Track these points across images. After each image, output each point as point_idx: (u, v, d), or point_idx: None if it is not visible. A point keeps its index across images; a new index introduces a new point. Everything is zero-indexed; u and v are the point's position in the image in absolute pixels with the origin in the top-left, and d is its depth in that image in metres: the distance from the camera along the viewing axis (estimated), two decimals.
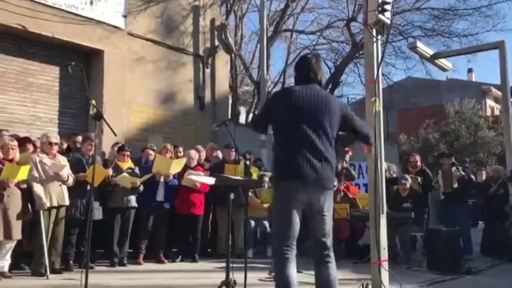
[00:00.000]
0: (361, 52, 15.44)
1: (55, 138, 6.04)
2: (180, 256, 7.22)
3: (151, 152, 7.36)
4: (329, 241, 3.34)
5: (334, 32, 17.22)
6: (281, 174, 3.28)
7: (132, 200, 6.70)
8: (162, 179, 6.90)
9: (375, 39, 4.55)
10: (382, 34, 4.62)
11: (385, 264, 4.31)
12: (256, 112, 15.65)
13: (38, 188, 5.70)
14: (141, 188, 6.72)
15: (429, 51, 7.40)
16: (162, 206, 6.97)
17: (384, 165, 4.93)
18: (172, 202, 7.11)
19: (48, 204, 5.70)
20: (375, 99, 4.43)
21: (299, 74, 3.51)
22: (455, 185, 7.95)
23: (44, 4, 8.54)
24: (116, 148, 7.05)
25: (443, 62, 8.00)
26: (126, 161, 6.83)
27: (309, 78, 3.42)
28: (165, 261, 6.97)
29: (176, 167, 6.89)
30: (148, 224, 6.90)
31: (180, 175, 7.09)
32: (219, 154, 8.28)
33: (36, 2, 8.43)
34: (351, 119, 3.48)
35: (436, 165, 10.29)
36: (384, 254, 4.34)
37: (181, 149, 7.83)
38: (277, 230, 3.30)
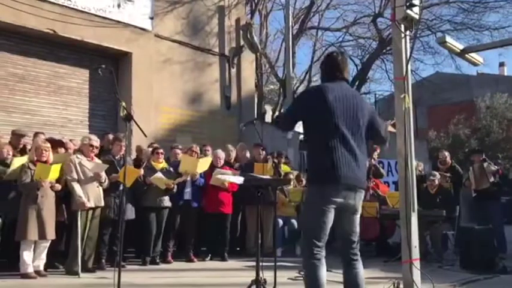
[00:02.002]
0: (388, 48, 15.26)
1: (96, 141, 6.19)
2: (210, 255, 7.28)
3: (178, 151, 7.44)
4: (357, 240, 3.33)
5: (361, 28, 17.07)
6: (319, 177, 3.21)
7: (165, 199, 6.78)
8: (188, 178, 6.97)
9: (403, 35, 4.48)
10: (411, 30, 4.54)
11: (417, 263, 4.24)
12: (282, 110, 15.63)
13: (78, 188, 5.84)
14: (175, 189, 6.80)
15: (459, 46, 7.21)
16: (190, 204, 7.04)
17: (414, 162, 4.85)
18: (200, 201, 7.17)
19: (88, 205, 5.84)
20: (404, 96, 4.35)
21: (326, 71, 3.47)
22: (492, 179, 7.77)
23: (73, 9, 8.75)
24: (150, 149, 7.16)
25: (473, 56, 7.78)
26: (160, 162, 6.92)
27: (336, 76, 3.39)
28: (195, 260, 7.03)
29: (202, 166, 6.96)
30: (176, 223, 6.98)
31: (206, 174, 7.14)
32: (247, 154, 8.31)
33: (66, 6, 8.64)
34: (377, 120, 3.49)
35: (467, 162, 10.08)
36: (416, 253, 4.27)
37: (209, 148, 7.89)
38: (309, 231, 3.20)
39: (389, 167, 11.49)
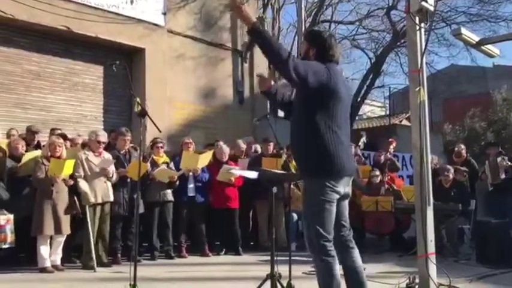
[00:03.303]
0: (402, 41, 15.07)
1: (103, 137, 6.22)
2: (224, 249, 7.31)
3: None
4: (349, 226, 3.29)
5: (374, 21, 16.87)
6: (325, 170, 3.06)
7: (168, 194, 6.79)
8: (191, 174, 6.97)
9: (417, 28, 4.43)
10: (425, 22, 4.49)
11: (433, 257, 4.22)
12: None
13: (83, 184, 5.90)
14: (177, 182, 6.81)
15: (474, 38, 7.11)
16: (195, 200, 7.03)
17: (430, 156, 4.81)
18: (207, 196, 7.17)
19: (93, 200, 5.89)
20: (419, 89, 4.32)
21: (321, 51, 3.18)
22: (503, 176, 7.67)
23: (87, 5, 8.81)
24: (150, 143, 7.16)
25: (489, 48, 7.67)
26: (161, 155, 6.91)
27: (332, 58, 3.19)
28: (210, 254, 7.07)
29: (203, 161, 6.93)
30: (184, 218, 6.99)
31: (211, 170, 7.13)
32: (258, 148, 8.31)
33: (80, 3, 8.70)
34: None
35: (483, 156, 9.96)
36: (431, 247, 4.24)
37: (221, 143, 7.89)
38: (320, 226, 3.02)
39: (404, 160, 11.41)
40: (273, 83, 3.42)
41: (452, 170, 7.50)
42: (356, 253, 3.22)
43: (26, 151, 6.24)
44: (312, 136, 3.09)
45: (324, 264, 3.03)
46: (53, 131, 6.93)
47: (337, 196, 3.11)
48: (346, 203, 3.28)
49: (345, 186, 3.17)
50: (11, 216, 5.52)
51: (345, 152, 3.14)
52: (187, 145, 7.21)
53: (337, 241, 3.17)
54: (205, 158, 6.96)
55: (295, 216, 7.78)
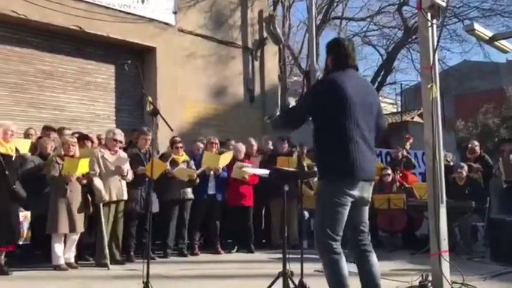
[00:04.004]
0: (414, 37, 14.96)
1: (120, 135, 6.29)
2: (236, 247, 7.34)
3: (200, 145, 7.49)
4: (368, 230, 3.31)
5: (385, 17, 16.76)
6: (337, 171, 3.12)
7: (188, 192, 6.86)
8: (212, 173, 7.01)
9: (429, 24, 4.39)
10: (437, 18, 4.44)
11: (446, 255, 4.18)
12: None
13: (97, 182, 5.95)
14: (197, 180, 6.87)
15: (487, 33, 7.03)
16: (215, 198, 7.09)
17: (442, 153, 4.77)
18: (224, 194, 7.22)
19: (107, 198, 5.94)
20: (432, 86, 4.28)
21: (336, 59, 3.29)
22: None
23: (98, 5, 8.86)
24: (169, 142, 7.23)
25: (503, 43, 7.58)
26: (180, 154, 6.98)
27: (348, 64, 3.26)
28: (222, 252, 7.10)
29: (224, 160, 7.01)
30: (201, 216, 7.04)
31: (228, 168, 7.18)
32: (271, 146, 8.31)
33: (91, 3, 8.76)
34: (381, 109, 3.45)
35: (497, 152, 9.85)
36: (444, 245, 4.21)
37: (233, 142, 7.92)
38: (327, 227, 3.11)
39: (416, 157, 11.33)
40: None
41: (466, 167, 7.43)
42: (373, 257, 3.25)
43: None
44: (327, 140, 3.19)
45: (330, 261, 3.10)
46: (60, 130, 6.99)
47: (351, 199, 3.14)
48: (365, 208, 3.30)
49: (361, 191, 3.19)
50: (28, 214, 5.60)
51: (362, 157, 3.12)
52: (211, 145, 7.31)
53: (355, 246, 3.24)
54: (226, 158, 7.03)
55: (306, 214, 7.79)
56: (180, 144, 7.04)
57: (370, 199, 3.31)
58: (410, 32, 14.96)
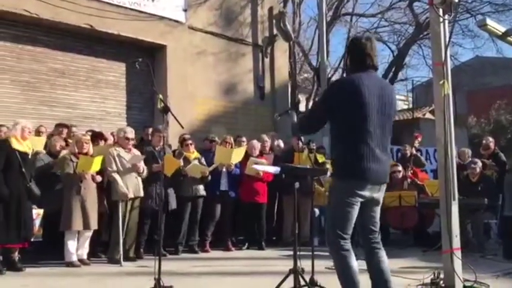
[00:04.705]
0: (425, 33, 14.85)
1: (131, 133, 6.36)
2: (247, 244, 7.35)
3: (208, 143, 7.54)
4: (378, 229, 3.31)
5: (396, 13, 16.66)
6: (348, 171, 3.14)
7: (201, 189, 6.89)
8: (224, 169, 7.03)
9: (441, 19, 4.35)
10: (449, 13, 4.40)
11: (458, 253, 4.15)
12: (310, 106, 15.46)
13: (119, 180, 6.01)
14: (209, 177, 6.89)
15: (500, 28, 6.95)
16: (227, 194, 7.11)
17: (454, 150, 4.73)
18: (237, 191, 7.23)
19: (130, 195, 6.00)
20: (443, 82, 4.24)
21: (354, 59, 3.28)
22: None
23: (109, 3, 8.91)
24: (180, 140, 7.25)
25: None
26: (191, 151, 7.01)
27: (367, 65, 3.23)
28: (233, 248, 7.12)
29: (237, 156, 7.01)
30: (214, 213, 7.06)
31: (242, 164, 7.20)
32: (281, 143, 8.30)
33: (102, 1, 8.80)
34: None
35: (510, 149, 9.74)
36: (456, 242, 4.18)
37: (244, 139, 7.93)
38: (337, 225, 3.14)
39: (428, 154, 11.27)
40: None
41: (479, 164, 7.36)
42: (383, 253, 3.25)
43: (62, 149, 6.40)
44: (341, 140, 3.21)
45: (339, 258, 3.13)
46: (58, 127, 7.04)
47: (360, 199, 3.15)
48: (377, 208, 3.30)
49: (372, 192, 3.19)
50: (41, 211, 5.67)
51: (375, 159, 3.11)
52: (225, 144, 7.38)
53: (366, 244, 3.26)
54: (239, 154, 7.03)
55: (317, 211, 7.78)
56: (190, 141, 7.06)
57: (381, 200, 3.30)
58: (422, 28, 14.85)
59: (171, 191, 6.55)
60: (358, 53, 3.26)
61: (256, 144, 7.53)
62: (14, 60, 8.30)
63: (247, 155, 7.31)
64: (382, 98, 3.19)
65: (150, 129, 7.19)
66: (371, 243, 3.26)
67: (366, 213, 3.23)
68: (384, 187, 3.29)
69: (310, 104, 16.15)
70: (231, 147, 7.42)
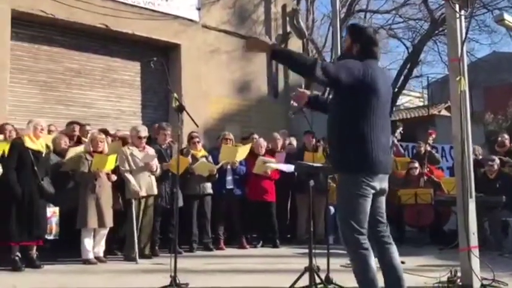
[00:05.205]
0: (440, 29, 14.68)
1: (144, 131, 6.38)
2: (261, 242, 7.36)
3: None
4: (386, 221, 3.27)
5: (411, 9, 16.50)
6: (361, 165, 3.06)
7: (208, 187, 6.89)
8: (229, 167, 7.04)
9: (457, 15, 4.30)
10: (466, 9, 4.35)
11: (475, 251, 4.12)
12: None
13: (131, 178, 6.06)
14: (216, 175, 6.89)
15: None
16: (233, 192, 7.12)
17: (471, 147, 4.68)
18: (243, 189, 7.24)
19: (142, 194, 6.05)
20: (460, 78, 4.20)
21: (365, 47, 3.18)
22: None
23: (124, 3, 8.98)
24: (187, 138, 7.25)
25: None
26: (198, 150, 7.00)
27: (375, 54, 3.21)
28: (247, 246, 7.14)
29: (242, 153, 6.99)
30: (222, 211, 7.08)
31: (248, 163, 7.18)
32: (293, 141, 8.28)
33: (117, 1, 8.88)
34: None
35: None
36: (474, 240, 4.14)
37: (256, 136, 7.92)
38: (353, 221, 3.04)
39: (443, 152, 11.14)
40: (308, 92, 3.59)
41: (497, 161, 7.26)
42: (394, 249, 3.19)
43: (69, 146, 6.45)
44: (349, 131, 3.10)
45: (358, 257, 3.05)
46: (69, 125, 7.10)
47: (373, 191, 3.11)
48: (383, 198, 3.26)
49: (381, 182, 3.16)
50: (57, 209, 5.74)
51: (382, 148, 3.11)
52: (226, 141, 7.31)
53: (374, 237, 3.19)
54: (243, 151, 7.02)
55: (332, 209, 7.75)
56: (198, 139, 7.05)
57: (387, 189, 3.26)
58: (437, 24, 14.68)
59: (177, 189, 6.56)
60: (369, 42, 3.21)
61: (263, 142, 7.50)
62: (31, 60, 8.41)
63: (254, 154, 7.29)
64: (388, 88, 3.23)
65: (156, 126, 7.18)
66: (380, 236, 3.20)
67: (372, 204, 3.16)
68: (388, 176, 3.26)
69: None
70: (232, 143, 7.39)
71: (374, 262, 3.07)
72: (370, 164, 3.06)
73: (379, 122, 3.10)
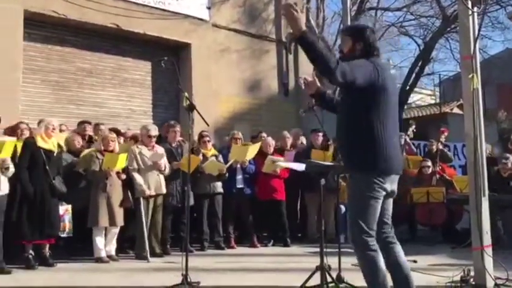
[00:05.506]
0: (452, 26, 14.54)
1: (154, 130, 6.40)
2: (272, 241, 7.36)
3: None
4: (391, 222, 3.24)
5: (422, 6, 16.34)
6: (372, 165, 3.03)
7: (218, 185, 6.91)
8: (238, 166, 7.04)
9: (470, 12, 4.26)
10: (478, 5, 4.31)
11: (489, 250, 4.08)
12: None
13: (137, 177, 6.09)
14: (226, 174, 6.90)
15: None
16: (243, 191, 7.12)
17: (484, 145, 4.64)
18: (253, 188, 7.24)
19: (148, 192, 6.07)
20: (472, 76, 4.16)
21: (368, 46, 3.15)
22: None
23: (135, 3, 9.02)
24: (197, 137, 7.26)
25: None
26: (209, 149, 7.02)
27: (378, 52, 3.20)
28: (258, 245, 7.14)
29: (252, 152, 6.99)
30: (232, 210, 7.10)
31: (257, 162, 7.17)
32: (304, 140, 8.26)
33: (128, 1, 8.92)
34: None
35: None
36: (487, 239, 4.10)
37: (265, 135, 7.92)
38: (363, 222, 3.03)
39: (456, 150, 11.06)
40: (319, 84, 3.48)
41: (511, 159, 7.18)
42: (398, 248, 3.17)
43: (82, 146, 6.51)
44: (362, 132, 3.07)
45: (366, 258, 3.04)
46: (80, 124, 7.15)
47: (384, 193, 3.09)
48: (391, 201, 3.24)
49: (392, 184, 3.14)
50: (69, 207, 5.79)
51: (395, 149, 3.10)
52: (235, 140, 7.32)
53: (379, 238, 3.15)
54: (253, 150, 7.02)
55: (343, 208, 7.72)
56: (208, 138, 7.07)
57: (396, 191, 3.23)
58: (449, 21, 14.53)
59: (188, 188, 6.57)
60: (372, 41, 3.18)
61: (271, 141, 7.49)
62: (44, 60, 8.50)
63: (262, 153, 7.29)
64: (395, 86, 3.22)
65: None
66: (385, 237, 3.17)
67: (381, 205, 3.13)
68: (398, 178, 3.23)
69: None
70: (241, 143, 7.39)
71: (383, 263, 3.05)
72: (383, 164, 3.04)
73: (390, 121, 3.09)
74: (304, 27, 2.91)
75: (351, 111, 3.13)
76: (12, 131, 6.10)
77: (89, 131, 7.11)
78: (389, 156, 3.04)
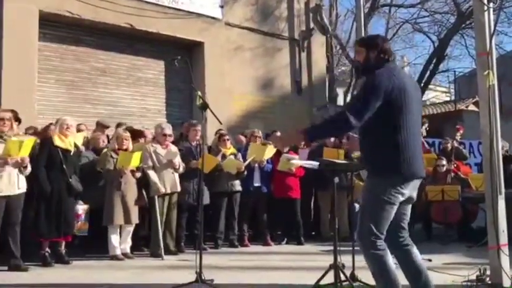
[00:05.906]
0: (468, 22, 14.37)
1: (169, 129, 6.44)
2: (286, 239, 7.36)
3: (241, 137, 7.63)
4: (407, 227, 3.22)
5: (437, 2, 16.18)
6: (394, 169, 3.00)
7: (236, 184, 6.94)
8: (256, 165, 7.05)
9: (485, 8, 4.21)
10: (494, 1, 4.25)
11: (505, 249, 4.03)
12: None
13: (153, 175, 6.13)
14: (245, 172, 6.93)
15: None
16: (260, 190, 7.13)
17: (500, 142, 4.58)
18: (269, 186, 7.25)
19: (163, 190, 6.11)
20: (488, 72, 4.11)
21: (382, 54, 3.16)
22: None
23: (148, 2, 9.07)
24: (217, 135, 7.31)
25: None
26: (228, 147, 7.05)
27: (392, 56, 3.21)
28: (272, 243, 7.14)
29: (270, 152, 7.01)
30: (249, 208, 7.12)
31: (273, 160, 7.18)
32: None
33: (142, 0, 8.98)
34: None
35: None
36: (504, 238, 4.05)
37: (278, 134, 7.90)
38: (375, 224, 2.99)
39: (471, 147, 10.94)
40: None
41: None
42: (415, 249, 3.15)
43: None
44: (386, 136, 3.05)
45: (374, 257, 3.02)
46: (119, 125, 7.22)
47: (401, 199, 3.06)
48: (409, 207, 3.21)
49: (412, 190, 3.12)
50: (86, 207, 5.86)
51: (418, 154, 3.08)
52: (255, 138, 7.35)
53: (395, 243, 3.13)
54: (271, 149, 7.04)
55: (357, 206, 7.68)
56: (227, 137, 7.11)
57: (415, 198, 3.19)
58: (464, 17, 14.37)
59: (204, 187, 6.61)
60: (383, 48, 3.19)
61: None
62: (58, 60, 8.60)
63: (277, 151, 7.30)
64: (417, 92, 3.20)
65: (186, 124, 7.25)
66: (400, 241, 3.14)
67: (398, 210, 3.09)
68: (419, 183, 3.20)
69: (348, 97, 15.91)
70: (261, 140, 7.40)
71: (392, 261, 3.03)
72: (406, 171, 3.01)
73: (415, 125, 3.09)
74: (298, 133, 3.12)
75: (372, 121, 3.07)
76: (42, 134, 6.15)
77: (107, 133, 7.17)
78: (413, 161, 3.02)
